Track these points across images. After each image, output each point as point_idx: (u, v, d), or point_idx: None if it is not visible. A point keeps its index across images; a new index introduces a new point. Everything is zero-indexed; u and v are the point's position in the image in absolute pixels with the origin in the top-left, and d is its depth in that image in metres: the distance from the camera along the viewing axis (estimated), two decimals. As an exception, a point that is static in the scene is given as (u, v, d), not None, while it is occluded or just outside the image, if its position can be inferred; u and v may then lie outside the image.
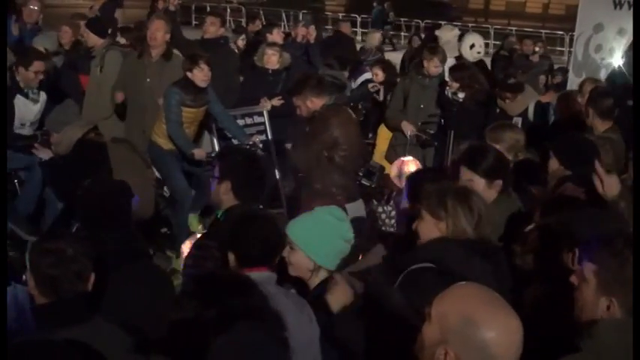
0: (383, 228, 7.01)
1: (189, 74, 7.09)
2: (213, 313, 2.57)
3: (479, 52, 9.69)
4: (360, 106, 9.31)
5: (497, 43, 17.62)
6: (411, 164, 7.49)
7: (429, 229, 3.49)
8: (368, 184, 6.31)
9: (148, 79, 7.64)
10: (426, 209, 3.51)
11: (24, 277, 6.11)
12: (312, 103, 6.13)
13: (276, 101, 8.57)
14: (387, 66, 10.01)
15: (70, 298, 3.07)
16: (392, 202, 7.20)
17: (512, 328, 2.16)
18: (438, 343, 2.19)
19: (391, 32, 28.50)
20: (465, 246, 3.34)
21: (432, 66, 8.32)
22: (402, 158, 7.72)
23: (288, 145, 8.85)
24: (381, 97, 9.59)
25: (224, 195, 4.14)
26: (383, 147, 8.46)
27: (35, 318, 3.15)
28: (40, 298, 3.12)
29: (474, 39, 9.85)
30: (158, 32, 7.62)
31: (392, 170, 7.41)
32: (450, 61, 8.90)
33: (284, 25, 25.10)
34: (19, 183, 7.32)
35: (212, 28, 8.88)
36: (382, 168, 6.61)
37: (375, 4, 29.10)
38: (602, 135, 5.90)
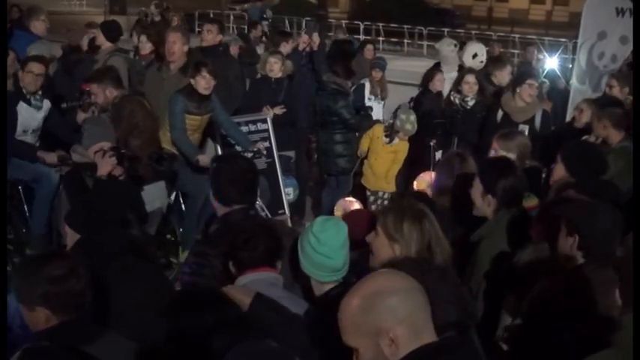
0: None
1: (192, 82, 7.11)
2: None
3: (481, 62, 9.60)
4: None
5: (501, 50, 17.60)
6: None
7: (384, 247, 3.46)
8: (161, 169, 6.79)
9: (166, 92, 7.58)
10: (382, 228, 3.48)
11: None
12: (111, 93, 6.81)
13: (278, 110, 8.60)
14: None
15: (82, 315, 3.04)
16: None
17: (411, 288, 2.26)
18: (375, 336, 2.20)
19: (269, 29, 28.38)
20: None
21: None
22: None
23: (291, 153, 8.90)
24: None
25: (215, 202, 4.12)
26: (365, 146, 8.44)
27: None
28: (43, 323, 3.04)
29: (477, 48, 9.77)
30: (175, 45, 7.63)
31: (421, 181, 7.30)
32: (453, 75, 8.94)
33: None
34: (25, 190, 7.31)
35: (209, 36, 8.86)
36: (174, 155, 7.05)
37: (250, 3, 28.75)
38: (620, 145, 5.89)
